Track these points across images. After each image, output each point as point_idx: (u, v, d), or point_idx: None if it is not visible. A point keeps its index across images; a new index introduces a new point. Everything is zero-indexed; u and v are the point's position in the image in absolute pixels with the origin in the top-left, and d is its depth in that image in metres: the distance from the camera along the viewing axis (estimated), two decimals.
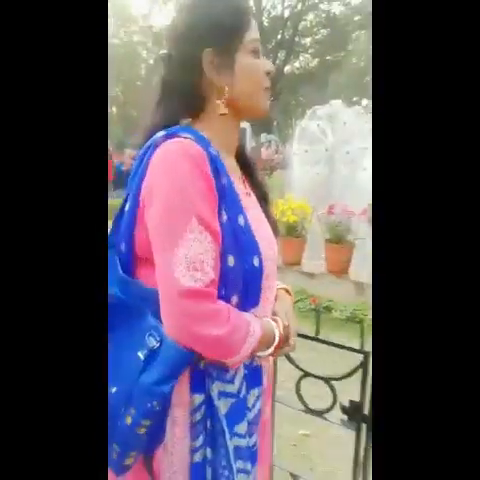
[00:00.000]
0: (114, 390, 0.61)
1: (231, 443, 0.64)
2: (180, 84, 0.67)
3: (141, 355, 0.59)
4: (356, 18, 18.09)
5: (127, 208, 0.65)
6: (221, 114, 0.68)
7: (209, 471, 0.64)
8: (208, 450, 0.64)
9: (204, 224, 0.59)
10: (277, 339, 0.67)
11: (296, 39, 19.35)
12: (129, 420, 0.59)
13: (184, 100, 0.68)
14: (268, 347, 0.66)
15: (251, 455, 0.67)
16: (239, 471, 0.65)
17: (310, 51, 19.88)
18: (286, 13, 18.77)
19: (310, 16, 19.08)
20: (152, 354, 0.59)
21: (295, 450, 1.81)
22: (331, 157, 4.36)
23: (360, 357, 0.93)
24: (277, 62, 18.84)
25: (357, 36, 18.49)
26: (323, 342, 0.94)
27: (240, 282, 0.63)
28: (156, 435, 0.62)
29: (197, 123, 0.69)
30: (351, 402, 0.97)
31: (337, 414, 1.00)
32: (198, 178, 0.59)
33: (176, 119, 0.68)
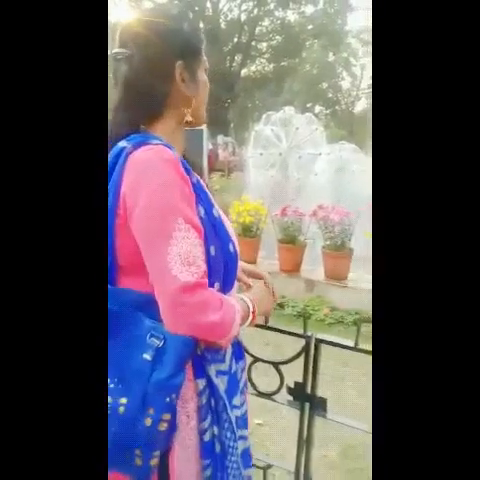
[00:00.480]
0: (125, 401, 0.62)
1: (232, 415, 0.71)
2: (150, 90, 0.69)
3: (148, 356, 0.62)
4: (309, 27, 18.75)
5: None
6: (187, 122, 0.74)
7: (218, 446, 0.70)
8: (215, 428, 0.70)
9: (189, 222, 0.63)
10: (251, 307, 0.74)
11: (252, 43, 19.67)
12: (149, 421, 0.61)
13: (151, 105, 0.70)
14: (247, 318, 0.73)
15: (244, 422, 0.77)
16: (239, 438, 0.73)
17: (266, 56, 20.30)
18: (243, 17, 19.03)
19: (266, 22, 19.49)
20: (158, 353, 0.62)
21: (250, 438, 1.92)
22: (284, 161, 4.55)
23: (303, 342, 1.05)
24: (234, 65, 19.02)
25: (310, 44, 19.16)
26: (270, 329, 1.05)
27: (221, 269, 0.69)
28: (173, 426, 0.65)
29: (152, 130, 0.71)
30: (296, 383, 1.09)
31: (284, 396, 1.12)
32: (177, 180, 0.64)
33: (137, 124, 0.70)
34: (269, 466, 1.21)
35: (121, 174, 0.66)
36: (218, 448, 0.71)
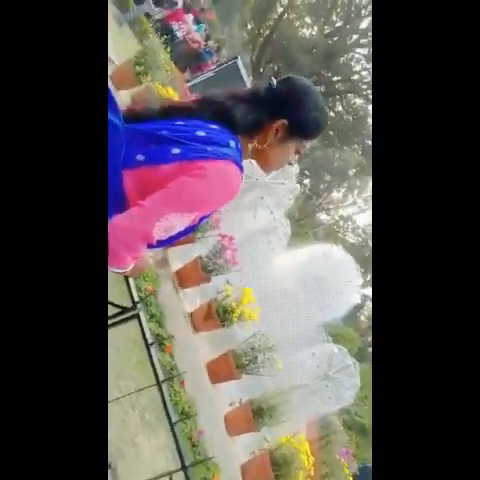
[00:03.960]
0: None
1: None
2: (263, 122, 0.91)
3: None
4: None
5: (175, 152, 0.82)
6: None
7: None
8: None
9: (196, 219, 0.82)
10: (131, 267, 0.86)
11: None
12: None
13: (259, 131, 0.91)
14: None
15: None
16: None
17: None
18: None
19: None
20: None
21: None
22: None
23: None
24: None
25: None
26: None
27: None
28: None
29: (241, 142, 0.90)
30: None
31: None
32: (232, 198, 0.86)
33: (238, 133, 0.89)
34: None
35: (218, 159, 0.83)
36: None
